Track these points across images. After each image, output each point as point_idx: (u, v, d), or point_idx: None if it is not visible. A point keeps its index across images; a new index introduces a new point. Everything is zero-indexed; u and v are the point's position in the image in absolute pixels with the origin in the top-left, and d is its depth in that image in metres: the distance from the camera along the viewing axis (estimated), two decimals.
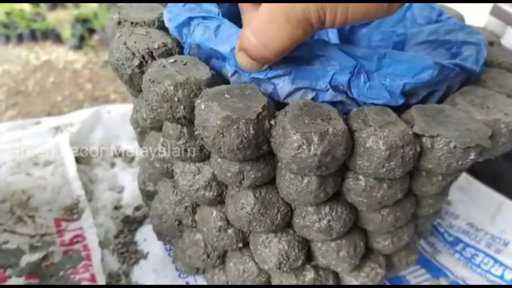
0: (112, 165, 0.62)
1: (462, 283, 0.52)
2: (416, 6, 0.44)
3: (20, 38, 2.89)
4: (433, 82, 0.31)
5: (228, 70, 0.32)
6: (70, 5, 3.26)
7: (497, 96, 0.34)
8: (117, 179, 0.60)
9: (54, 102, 2.40)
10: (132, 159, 0.63)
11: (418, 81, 0.31)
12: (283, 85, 0.31)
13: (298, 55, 0.30)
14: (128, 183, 0.59)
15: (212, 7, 0.36)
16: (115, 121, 0.67)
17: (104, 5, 2.93)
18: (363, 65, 0.30)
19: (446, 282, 0.52)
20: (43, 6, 3.21)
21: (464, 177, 0.64)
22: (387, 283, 0.51)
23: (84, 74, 2.64)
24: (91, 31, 2.91)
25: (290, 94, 0.31)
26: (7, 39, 2.84)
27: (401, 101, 0.31)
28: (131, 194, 0.57)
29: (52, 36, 2.95)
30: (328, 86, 0.31)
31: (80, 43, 2.85)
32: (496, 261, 0.54)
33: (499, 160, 0.61)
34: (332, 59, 0.30)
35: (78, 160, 0.60)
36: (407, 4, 0.45)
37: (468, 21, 0.49)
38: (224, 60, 0.32)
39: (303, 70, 0.30)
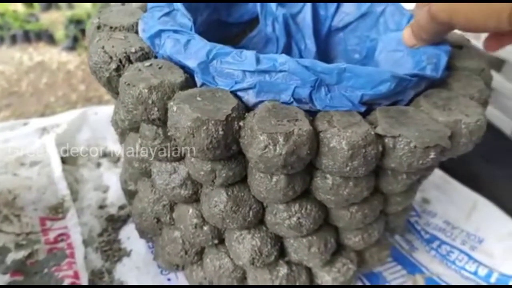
0: (98, 165, 0.63)
1: (437, 279, 0.53)
2: (388, 11, 0.45)
3: (13, 39, 2.89)
4: (392, 93, 0.33)
5: (196, 81, 0.34)
6: (63, 6, 3.27)
7: (460, 98, 0.36)
8: (102, 179, 0.61)
9: (47, 103, 2.40)
10: (118, 159, 0.64)
11: (376, 92, 0.32)
12: (248, 98, 0.33)
13: (262, 70, 0.32)
14: (113, 183, 0.60)
15: (186, 20, 0.37)
16: (102, 122, 0.68)
17: (98, 5, 2.93)
18: (324, 79, 0.32)
19: (422, 278, 0.53)
20: (37, 7, 3.22)
21: (442, 176, 0.66)
22: (365, 281, 0.52)
23: (77, 75, 2.64)
24: (85, 32, 2.91)
25: (255, 105, 0.33)
26: (1, 40, 2.84)
27: (362, 108, 0.33)
28: (116, 194, 0.58)
29: (46, 37, 2.96)
30: (292, 99, 0.32)
31: (74, 44, 2.85)
32: (470, 257, 0.56)
33: (475, 159, 0.63)
34: (294, 74, 0.32)
35: (64, 160, 0.62)
36: (380, 11, 0.46)
37: None
38: (193, 71, 0.34)
39: (266, 84, 0.32)
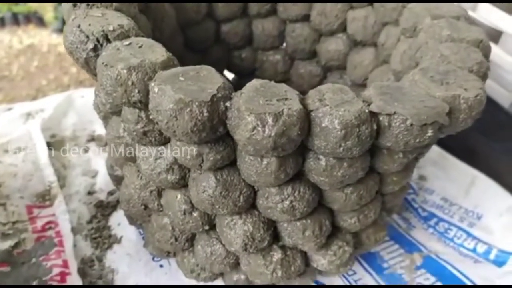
0: (86, 150, 0.61)
1: (435, 257, 0.52)
2: None
3: (2, 22, 2.83)
4: None
5: None
6: None
7: (458, 72, 0.34)
8: (90, 164, 0.59)
9: (39, 87, 2.36)
10: (106, 143, 0.62)
11: None
12: None
13: None
14: (102, 168, 0.58)
15: None
16: (89, 105, 0.65)
17: None
18: None
19: (420, 257, 0.52)
20: None
21: (439, 152, 0.64)
22: (362, 261, 0.51)
23: (68, 57, 2.57)
24: None
25: None
26: None
27: None
28: (104, 179, 0.56)
29: (35, 19, 2.90)
30: None
31: (63, 26, 2.80)
32: (469, 234, 0.55)
33: (473, 134, 0.61)
34: None
35: (51, 146, 0.60)
36: None
37: None
38: None
39: None
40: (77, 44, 0.33)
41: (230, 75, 0.67)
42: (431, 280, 0.49)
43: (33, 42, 2.72)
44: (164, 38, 0.47)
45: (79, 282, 0.44)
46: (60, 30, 2.77)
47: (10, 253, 0.46)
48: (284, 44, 0.62)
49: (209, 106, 0.28)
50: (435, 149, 0.65)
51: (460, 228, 0.56)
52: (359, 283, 0.49)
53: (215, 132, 0.30)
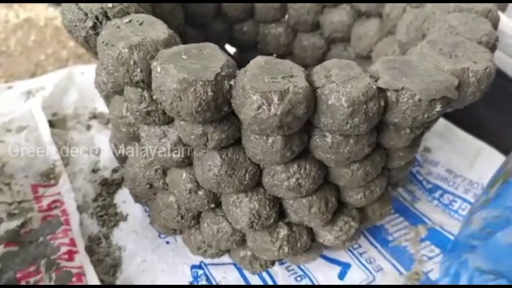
0: (88, 127, 0.61)
1: (440, 229, 0.52)
2: None
3: None
4: None
5: None
6: None
7: (467, 44, 0.33)
8: (93, 142, 0.59)
9: (38, 62, 2.33)
10: (109, 120, 0.62)
11: None
12: None
13: None
14: (105, 145, 0.58)
15: None
16: (89, 82, 0.64)
17: None
18: None
19: (424, 229, 0.52)
20: None
21: (444, 124, 0.64)
22: (368, 234, 0.51)
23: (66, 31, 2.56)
24: None
25: None
26: None
27: None
28: (108, 156, 0.56)
29: None
30: None
31: None
32: None
33: (479, 105, 0.60)
34: None
35: (52, 124, 0.59)
36: None
37: None
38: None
39: None
40: (76, 22, 0.32)
41: (231, 49, 0.66)
42: (435, 251, 0.50)
43: (29, 16, 2.68)
44: (164, 13, 0.46)
45: (87, 259, 0.44)
46: (56, 3, 2.73)
47: (18, 233, 0.47)
48: (286, 16, 0.61)
49: (213, 85, 0.27)
50: (440, 121, 0.64)
51: (464, 200, 0.56)
52: (364, 256, 0.49)
53: (220, 111, 0.29)
